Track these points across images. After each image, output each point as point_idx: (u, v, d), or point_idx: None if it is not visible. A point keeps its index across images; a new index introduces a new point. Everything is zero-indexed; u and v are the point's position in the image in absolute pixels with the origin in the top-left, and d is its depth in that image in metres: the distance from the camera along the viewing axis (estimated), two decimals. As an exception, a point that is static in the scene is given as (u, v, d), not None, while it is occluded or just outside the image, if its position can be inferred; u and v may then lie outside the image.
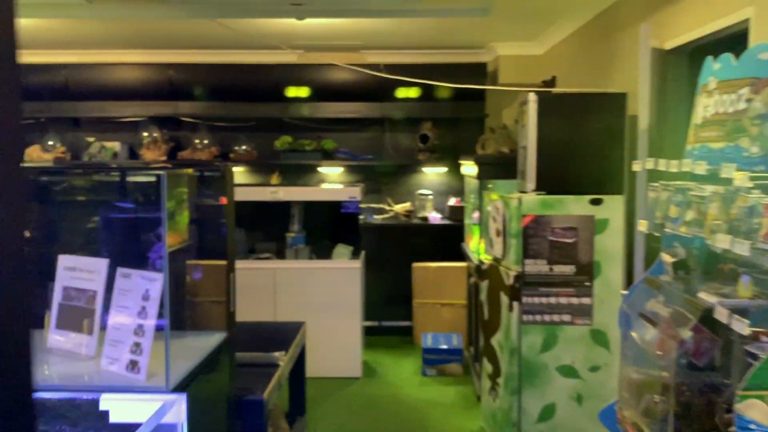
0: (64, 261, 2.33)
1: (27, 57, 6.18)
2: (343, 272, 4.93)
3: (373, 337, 5.89)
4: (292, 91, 6.21)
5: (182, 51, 6.20)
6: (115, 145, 6.33)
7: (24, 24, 4.77)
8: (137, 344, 2.03)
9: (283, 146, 6.18)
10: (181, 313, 2.69)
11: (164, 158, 6.21)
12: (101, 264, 2.25)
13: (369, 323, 5.90)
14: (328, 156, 6.31)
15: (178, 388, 2.04)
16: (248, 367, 3.21)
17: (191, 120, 6.40)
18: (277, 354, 3.30)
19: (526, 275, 3.45)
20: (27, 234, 2.43)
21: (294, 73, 6.26)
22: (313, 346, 4.70)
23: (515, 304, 3.48)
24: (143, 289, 2.06)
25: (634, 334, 2.33)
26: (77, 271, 2.30)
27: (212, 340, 2.49)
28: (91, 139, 6.37)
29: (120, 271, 2.15)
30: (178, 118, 6.37)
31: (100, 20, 5.09)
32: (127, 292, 2.11)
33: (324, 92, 6.27)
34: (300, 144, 6.20)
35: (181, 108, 6.31)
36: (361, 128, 6.52)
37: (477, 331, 4.59)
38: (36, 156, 6.23)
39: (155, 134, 6.23)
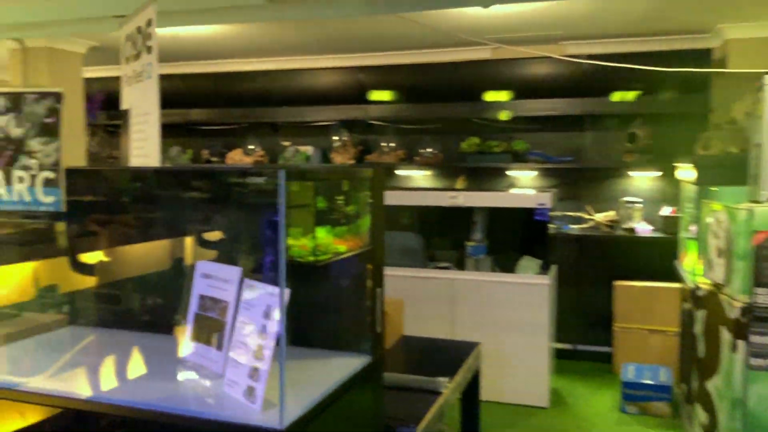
0: (201, 267, 2.18)
1: (231, 66, 6.54)
2: (530, 288, 4.41)
3: (564, 361, 5.27)
4: (489, 95, 5.79)
5: (371, 54, 6.11)
6: (308, 149, 6.42)
7: (224, 32, 4.89)
8: (255, 368, 1.78)
9: (470, 148, 5.79)
10: (326, 329, 2.43)
11: (353, 162, 6.16)
12: (234, 272, 2.05)
13: (560, 346, 5.29)
14: (519, 158, 5.79)
15: (300, 423, 1.76)
16: (408, 392, 2.89)
17: (379, 123, 6.28)
18: (441, 379, 2.92)
19: (756, 308, 2.70)
20: (220, 235, 2.27)
21: (486, 70, 5.85)
22: (493, 367, 4.26)
23: (740, 343, 2.74)
24: (265, 304, 1.81)
25: None
26: (212, 279, 2.13)
27: (353, 364, 2.18)
28: (286, 144, 6.53)
29: (246, 282, 1.92)
30: (367, 121, 6.29)
31: (294, 27, 5.13)
32: (251, 307, 1.87)
33: (518, 89, 5.78)
34: (488, 145, 5.77)
35: (371, 111, 6.21)
36: (557, 127, 5.92)
37: (691, 367, 3.81)
38: (238, 159, 6.53)
39: (344, 138, 6.21)
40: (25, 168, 3.73)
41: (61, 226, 2.90)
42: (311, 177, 2.56)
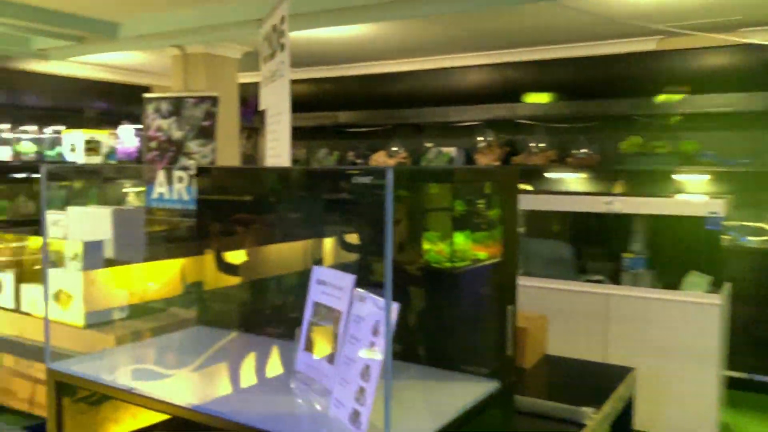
0: (317, 273, 2.04)
1: (378, 68, 6.50)
2: (697, 308, 3.87)
3: (737, 392, 4.62)
4: (655, 90, 5.22)
5: (520, 49, 5.78)
6: (451, 150, 6.22)
7: (370, 33, 4.84)
8: (362, 390, 1.59)
9: (630, 149, 5.26)
10: (452, 346, 2.20)
11: (498, 163, 5.86)
12: (347, 280, 1.88)
13: (733, 374, 4.63)
14: (688, 160, 5.17)
15: (409, 457, 1.55)
16: (547, 420, 2.58)
17: (528, 122, 5.92)
18: (585, 409, 2.57)
19: None
20: (359, 240, 2.14)
21: (650, 63, 5.29)
22: (651, 394, 3.79)
23: None
24: (373, 318, 1.62)
25: None
26: (327, 286, 1.97)
27: (478, 389, 1.93)
28: (429, 145, 6.37)
29: (356, 293, 1.75)
30: (515, 120, 5.96)
31: (439, 25, 4.97)
32: (360, 321, 1.69)
33: (688, 83, 5.16)
34: (651, 146, 5.21)
35: (519, 110, 5.88)
36: (734, 125, 5.22)
37: None
38: (381, 161, 6.47)
39: (489, 138, 5.93)
40: (184, 168, 3.81)
41: (193, 224, 2.92)
42: (423, 178, 2.35)
